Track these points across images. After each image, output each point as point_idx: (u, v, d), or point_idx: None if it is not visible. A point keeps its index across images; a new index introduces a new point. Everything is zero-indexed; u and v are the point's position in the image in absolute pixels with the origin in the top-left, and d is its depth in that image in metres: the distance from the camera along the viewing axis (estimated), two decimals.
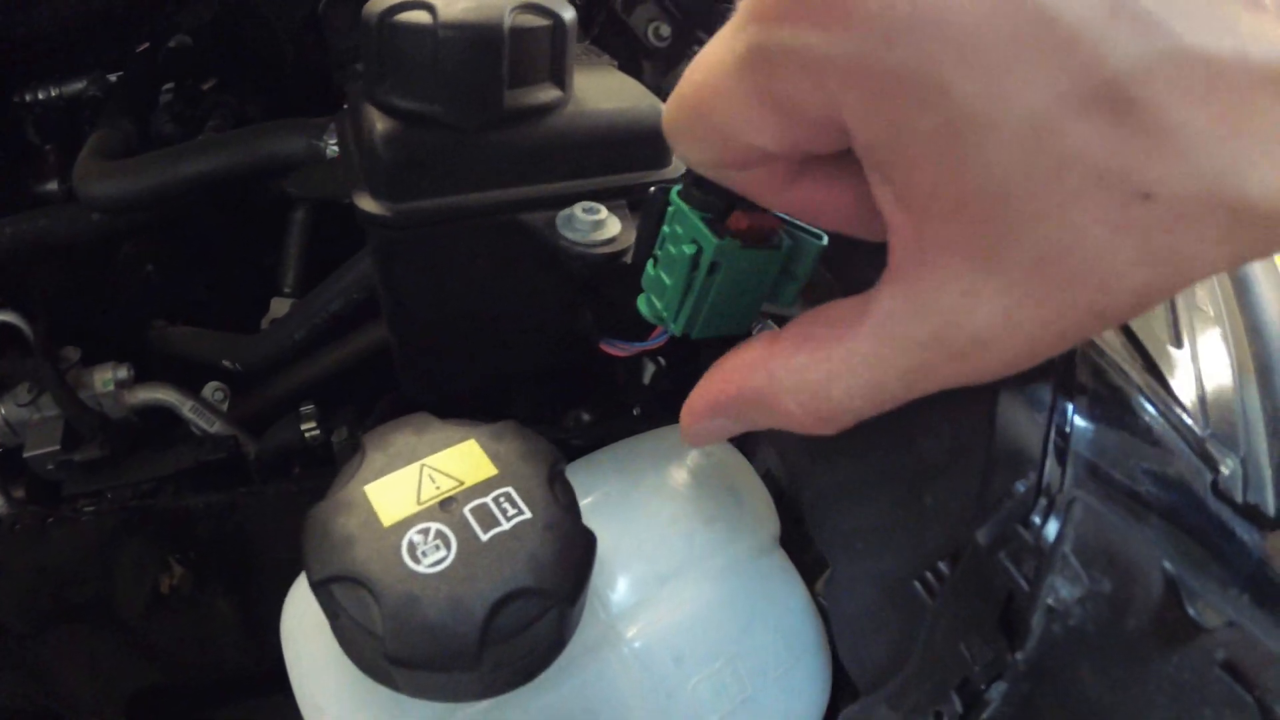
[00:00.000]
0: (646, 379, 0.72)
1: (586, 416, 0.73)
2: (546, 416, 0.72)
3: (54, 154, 0.76)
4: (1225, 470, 0.40)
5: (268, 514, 0.70)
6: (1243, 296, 0.56)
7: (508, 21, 0.46)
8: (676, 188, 0.44)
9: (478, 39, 0.46)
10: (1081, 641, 0.38)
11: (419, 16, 0.46)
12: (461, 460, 0.45)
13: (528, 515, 0.43)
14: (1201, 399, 0.45)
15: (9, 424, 0.67)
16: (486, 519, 0.42)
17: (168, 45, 0.79)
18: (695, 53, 0.72)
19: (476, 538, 0.41)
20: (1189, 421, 0.42)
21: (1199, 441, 0.41)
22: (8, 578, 0.62)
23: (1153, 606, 0.37)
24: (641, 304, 0.48)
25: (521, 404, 0.72)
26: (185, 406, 0.74)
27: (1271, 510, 0.39)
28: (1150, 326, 0.48)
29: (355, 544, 0.41)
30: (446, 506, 0.43)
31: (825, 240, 0.46)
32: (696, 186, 0.44)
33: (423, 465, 0.44)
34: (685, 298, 0.44)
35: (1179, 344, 0.48)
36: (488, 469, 0.44)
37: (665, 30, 0.82)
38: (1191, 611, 0.36)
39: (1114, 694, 0.39)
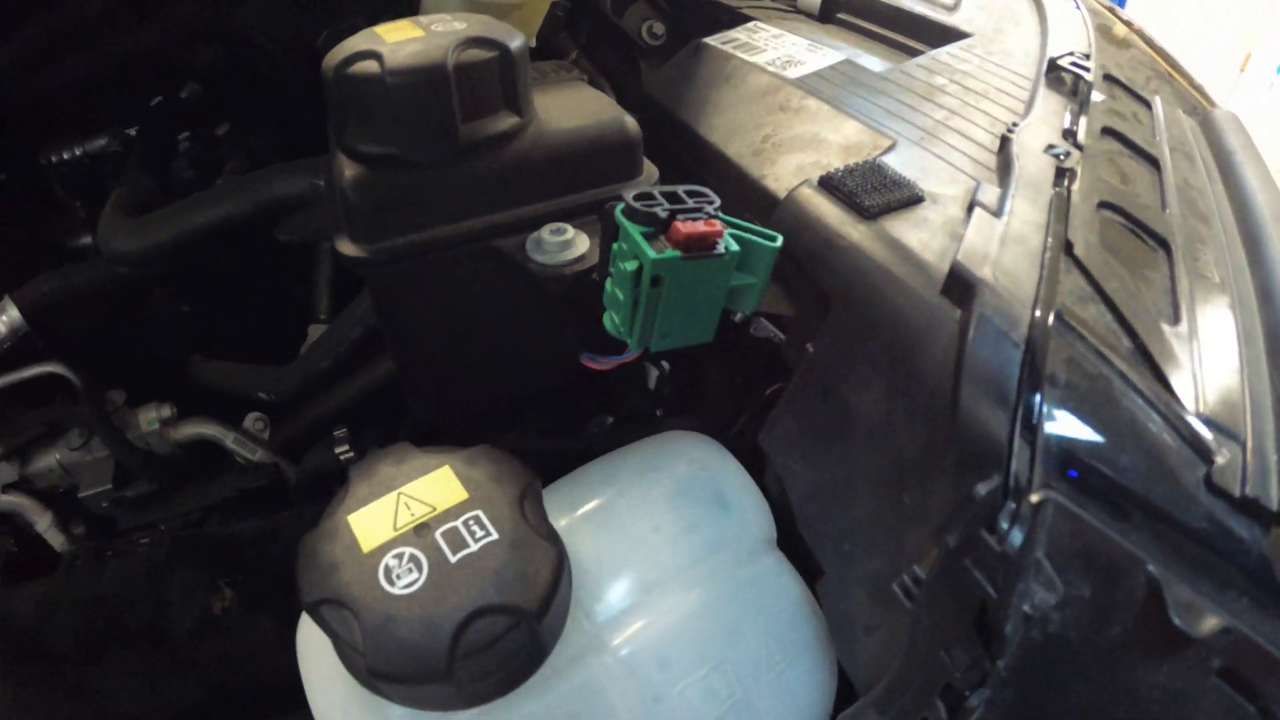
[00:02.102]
0: (651, 384, 0.75)
1: (610, 420, 0.76)
2: (567, 425, 0.76)
3: (83, 209, 0.85)
4: (1221, 460, 0.38)
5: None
6: (1256, 256, 0.53)
7: (451, 59, 0.50)
8: (621, 205, 0.46)
9: (424, 81, 0.50)
10: (1064, 649, 0.38)
11: (368, 66, 0.50)
12: (435, 487, 0.49)
13: (494, 536, 0.46)
14: (1198, 381, 0.43)
15: (64, 467, 0.76)
16: (456, 541, 0.46)
17: (179, 95, 0.87)
18: (692, 47, 0.74)
19: (446, 560, 0.45)
20: (1179, 408, 0.40)
21: (1190, 430, 0.39)
22: (68, 608, 0.70)
23: (1138, 613, 0.36)
24: (606, 320, 0.51)
25: (540, 415, 0.76)
26: (228, 438, 0.82)
27: (1275, 504, 0.36)
28: (1144, 304, 0.47)
29: (339, 569, 0.46)
30: (420, 531, 0.47)
31: (779, 242, 0.47)
32: (638, 200, 0.46)
33: (399, 494, 0.49)
34: (635, 313, 0.47)
35: (1175, 319, 0.47)
36: (459, 493, 0.48)
37: (659, 28, 0.84)
38: (1177, 620, 0.34)
39: (1103, 702, 0.38)
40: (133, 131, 0.85)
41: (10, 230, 0.83)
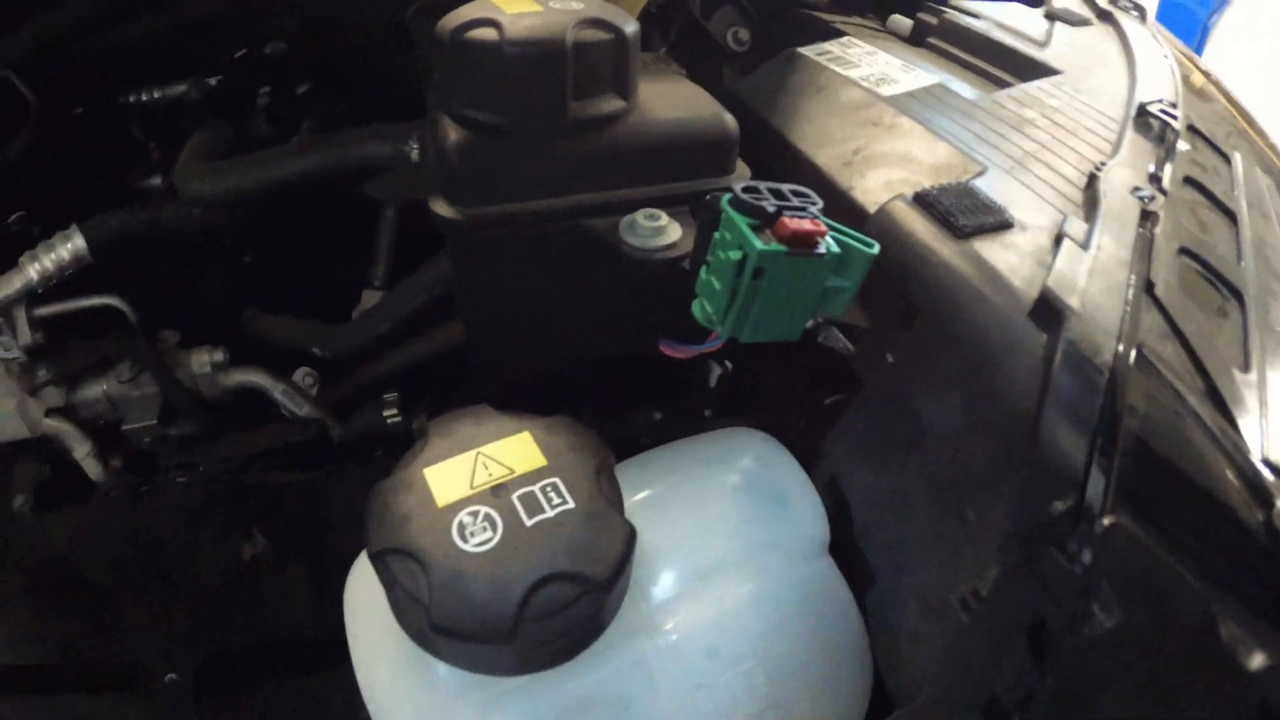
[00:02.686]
0: (712, 382, 0.76)
1: (659, 415, 0.78)
2: (615, 413, 0.77)
3: (157, 151, 0.86)
4: None
5: (349, 494, 0.77)
6: None
7: (570, 37, 0.51)
8: (728, 195, 0.48)
9: (541, 54, 0.51)
10: (1113, 672, 0.39)
11: (487, 34, 0.52)
12: (515, 450, 0.50)
13: (571, 505, 0.48)
14: (1264, 428, 0.45)
15: (110, 399, 0.77)
16: (532, 506, 0.47)
17: (264, 51, 0.88)
18: (786, 55, 0.76)
19: (521, 523, 0.47)
20: (1246, 451, 0.42)
21: (1255, 473, 0.40)
22: (101, 539, 0.71)
23: (1190, 643, 0.38)
24: (695, 308, 0.52)
25: (591, 400, 0.78)
26: (277, 390, 0.83)
27: None
28: (1216, 348, 0.49)
29: (411, 521, 0.47)
30: (497, 492, 0.48)
31: (876, 249, 0.49)
32: (746, 193, 0.48)
33: (478, 453, 0.50)
34: (732, 302, 0.48)
35: (1246, 367, 0.49)
36: (538, 460, 0.50)
37: (744, 35, 0.86)
38: (1230, 651, 0.36)
39: None
40: (214, 81, 0.86)
41: (84, 163, 0.84)
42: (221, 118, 0.82)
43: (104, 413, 0.79)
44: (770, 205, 0.47)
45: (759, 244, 0.45)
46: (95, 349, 0.79)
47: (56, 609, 0.72)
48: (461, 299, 0.64)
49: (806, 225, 0.46)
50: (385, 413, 0.79)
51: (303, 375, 0.85)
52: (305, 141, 0.75)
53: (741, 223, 0.46)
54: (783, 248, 0.45)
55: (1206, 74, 0.82)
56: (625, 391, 0.76)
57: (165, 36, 0.81)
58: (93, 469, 0.79)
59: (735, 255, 0.46)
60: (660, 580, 0.54)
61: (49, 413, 0.77)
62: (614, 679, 0.50)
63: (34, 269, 0.72)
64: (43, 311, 0.76)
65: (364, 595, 0.54)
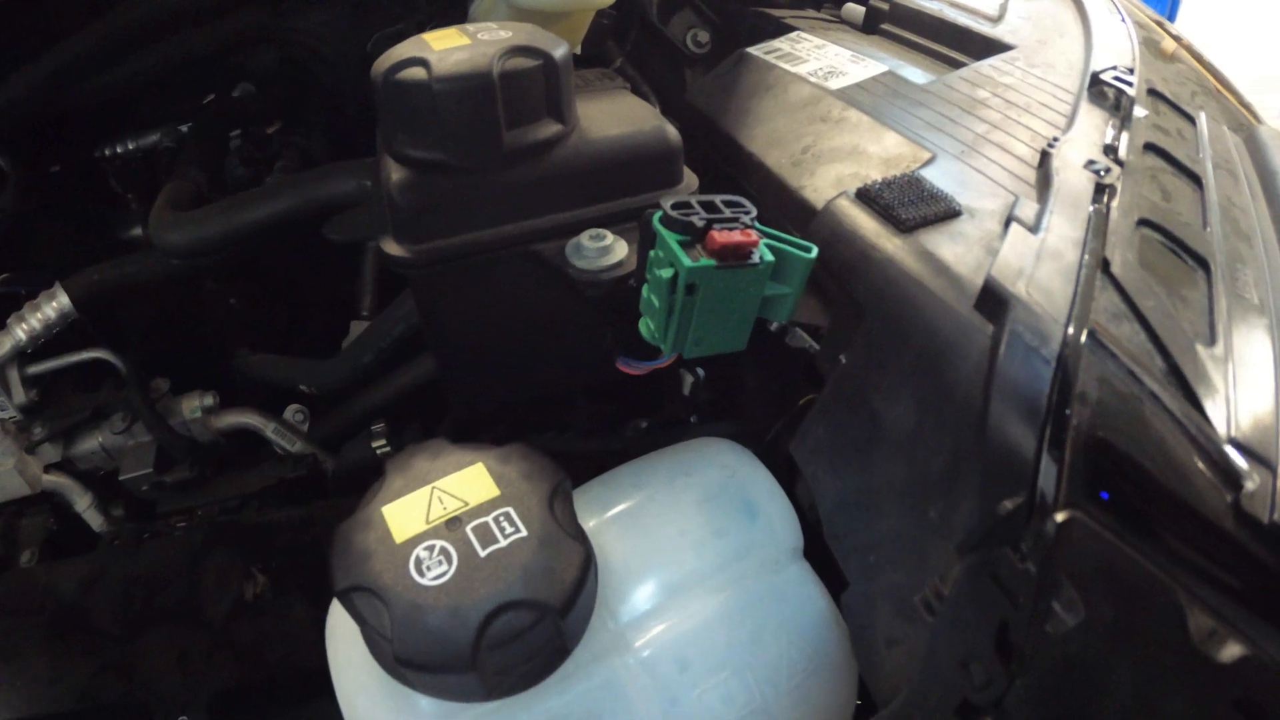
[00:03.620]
0: (686, 390, 0.76)
1: (644, 424, 0.78)
2: (605, 426, 0.78)
3: (135, 202, 0.88)
4: (1250, 486, 0.37)
5: None
6: None
7: (497, 68, 0.52)
8: (659, 213, 0.48)
9: (470, 89, 0.52)
10: (1084, 670, 0.38)
11: (416, 73, 0.52)
12: (469, 483, 0.51)
13: (523, 533, 0.48)
14: (1231, 405, 0.43)
15: (106, 450, 0.79)
16: (486, 536, 0.48)
17: (232, 94, 0.90)
18: (735, 57, 0.75)
19: (475, 554, 0.47)
20: (1210, 432, 0.40)
21: (1221, 455, 0.38)
22: (106, 587, 0.73)
23: (1160, 638, 0.36)
24: (641, 326, 0.52)
25: (577, 416, 0.78)
26: (269, 428, 0.85)
27: None
28: (1179, 324, 0.47)
29: (371, 558, 0.48)
30: (451, 525, 0.48)
31: (814, 253, 0.49)
32: (675, 209, 0.47)
33: (433, 488, 0.50)
34: (670, 320, 0.48)
35: (1211, 340, 0.47)
36: (491, 490, 0.50)
37: (704, 37, 0.86)
38: (1200, 644, 0.35)
39: None
40: (186, 128, 0.88)
41: (64, 220, 0.86)
42: (194, 165, 0.83)
43: (101, 464, 0.82)
44: (699, 219, 0.46)
45: (688, 260, 0.45)
46: (88, 402, 0.81)
47: (71, 656, 0.74)
48: (426, 331, 0.65)
49: (736, 237, 0.46)
50: (374, 444, 0.80)
51: (293, 412, 0.86)
52: (273, 184, 0.76)
53: (671, 239, 0.46)
54: (713, 261, 0.45)
55: (1177, 38, 0.79)
56: (608, 404, 0.76)
57: (139, 85, 0.83)
58: (95, 520, 0.81)
59: (667, 273, 0.46)
60: (629, 598, 0.54)
61: (48, 469, 0.80)
62: (586, 698, 0.51)
63: (21, 329, 0.74)
64: (34, 369, 0.78)
65: (342, 629, 0.55)
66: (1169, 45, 0.79)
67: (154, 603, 0.72)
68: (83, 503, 0.80)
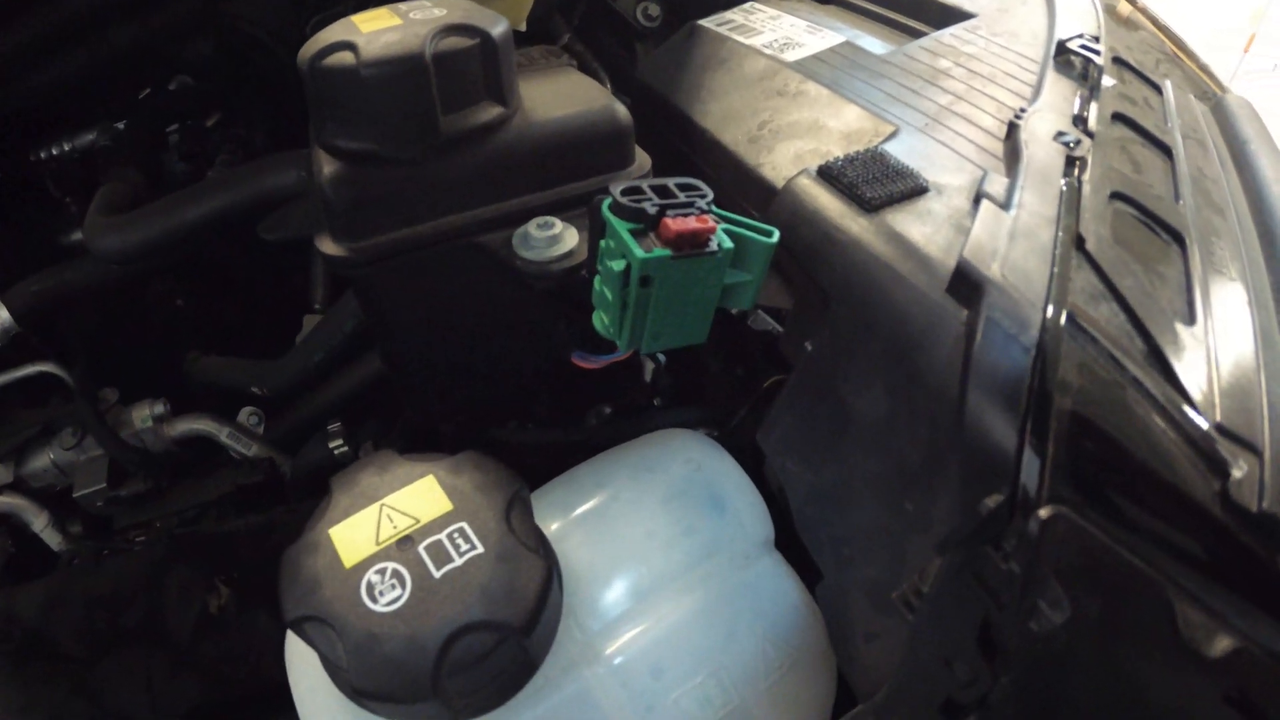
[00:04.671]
0: (648, 376, 0.71)
1: (609, 410, 0.73)
2: (566, 415, 0.73)
3: (74, 205, 0.81)
4: (1238, 473, 0.34)
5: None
6: (1273, 249, 0.49)
7: (429, 49, 0.46)
8: (609, 199, 0.43)
9: (401, 72, 0.46)
10: (1070, 667, 0.35)
11: (343, 58, 0.46)
12: (419, 497, 0.46)
13: (479, 550, 0.43)
14: (1215, 387, 0.39)
15: (58, 466, 0.73)
16: (440, 555, 0.43)
17: (168, 88, 0.82)
18: (687, 29, 0.70)
19: (429, 575, 0.43)
20: (1195, 418, 0.36)
21: (1207, 442, 0.35)
22: (68, 609, 0.68)
23: (1148, 633, 0.33)
24: (595, 319, 0.47)
25: (538, 407, 0.73)
26: (223, 433, 0.79)
27: None
28: (1158, 302, 0.43)
29: (321, 585, 0.43)
30: (403, 545, 0.44)
31: (775, 237, 0.44)
32: (625, 195, 0.42)
33: (382, 505, 0.46)
34: (625, 313, 0.43)
35: (1191, 319, 0.43)
36: (443, 504, 0.45)
37: (655, 10, 0.80)
38: (1189, 638, 0.32)
39: None
40: (121, 125, 0.81)
41: (2, 228, 0.79)
42: (129, 164, 0.76)
43: (54, 481, 0.76)
44: (652, 206, 0.41)
45: (640, 251, 0.40)
46: (37, 418, 0.75)
47: (39, 683, 0.69)
48: (372, 331, 0.59)
49: (692, 224, 0.41)
50: (331, 444, 0.74)
51: (248, 415, 0.80)
52: (209, 180, 0.70)
53: (622, 229, 0.41)
54: (667, 251, 0.40)
55: (1133, 1, 0.74)
56: (568, 396, 0.71)
57: (72, 81, 0.76)
58: (53, 539, 0.75)
59: (619, 265, 0.41)
60: (597, 605, 0.50)
61: (1, 490, 0.74)
62: (557, 713, 0.47)
63: None
64: None
65: (300, 654, 0.51)
66: (1125, 8, 0.75)
67: (117, 623, 0.67)
68: (39, 522, 0.74)
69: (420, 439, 0.75)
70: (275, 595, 0.71)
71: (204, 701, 0.67)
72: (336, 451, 0.76)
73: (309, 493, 0.78)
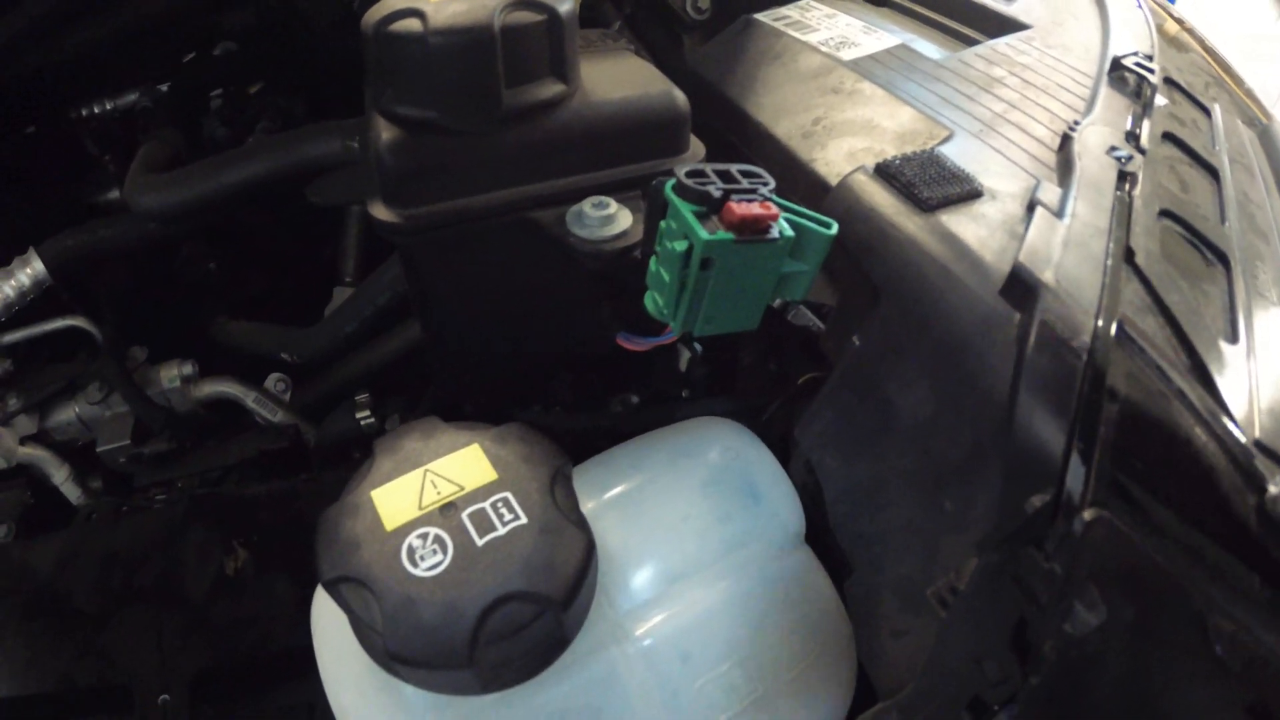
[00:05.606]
0: (683, 365, 0.72)
1: (635, 399, 0.73)
2: (591, 401, 0.73)
3: (112, 164, 0.81)
4: (1274, 489, 0.34)
5: (326, 499, 0.73)
6: None
7: (498, 21, 0.46)
8: (672, 181, 0.43)
9: (469, 42, 0.46)
10: (1100, 671, 0.35)
11: (410, 25, 0.46)
12: (464, 465, 0.46)
13: (523, 520, 0.43)
14: (1255, 404, 0.40)
15: (83, 421, 0.74)
16: (483, 524, 0.43)
17: (213, 53, 0.83)
18: (742, 23, 0.70)
19: (472, 543, 0.43)
20: (1236, 433, 0.36)
21: (1246, 457, 0.35)
22: (84, 565, 0.68)
23: (1178, 640, 0.34)
24: (647, 300, 0.47)
25: (565, 390, 0.73)
26: (249, 398, 0.79)
27: None
28: (1202, 319, 0.43)
29: (360, 547, 0.43)
30: (446, 512, 0.44)
31: (835, 229, 0.44)
32: (690, 178, 0.43)
33: (426, 470, 0.46)
34: (682, 294, 0.44)
35: (1234, 338, 0.44)
36: (488, 474, 0.46)
37: (704, 3, 0.80)
38: (1218, 649, 0.32)
39: None
40: (164, 87, 0.81)
41: (39, 183, 0.79)
42: (171, 125, 0.76)
43: (78, 435, 0.76)
44: (716, 190, 0.42)
45: (704, 233, 0.40)
46: (64, 372, 0.75)
47: (49, 636, 0.69)
48: (414, 301, 0.60)
49: (756, 209, 0.41)
50: (358, 414, 0.75)
51: (274, 381, 0.81)
52: (253, 144, 0.70)
53: (686, 210, 0.41)
54: (731, 235, 0.41)
55: (1180, 21, 0.75)
56: (598, 379, 0.71)
57: (114, 42, 0.76)
58: (72, 493, 0.75)
59: (680, 246, 0.41)
60: (629, 586, 0.50)
61: (24, 440, 0.74)
62: (584, 690, 0.47)
63: None
64: (8, 339, 0.72)
65: (328, 617, 0.50)
66: (1172, 28, 0.76)
67: (133, 580, 0.67)
68: (60, 475, 0.74)
69: (445, 416, 0.75)
70: (293, 562, 0.72)
71: (212, 665, 0.67)
72: (364, 423, 0.76)
73: (332, 461, 0.78)
